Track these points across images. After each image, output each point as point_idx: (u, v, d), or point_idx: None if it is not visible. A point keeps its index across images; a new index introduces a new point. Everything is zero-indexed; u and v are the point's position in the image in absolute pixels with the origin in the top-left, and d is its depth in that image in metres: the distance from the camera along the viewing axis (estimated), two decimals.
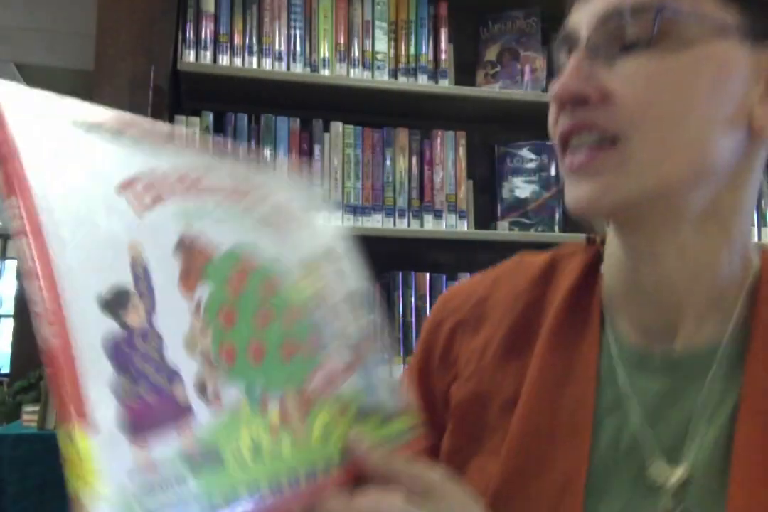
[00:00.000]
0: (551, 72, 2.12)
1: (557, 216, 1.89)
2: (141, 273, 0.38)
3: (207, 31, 1.71)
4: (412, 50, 1.86)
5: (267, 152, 1.74)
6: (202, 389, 0.39)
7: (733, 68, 0.50)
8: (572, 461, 0.53)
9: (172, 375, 0.38)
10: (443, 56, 1.87)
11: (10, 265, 8.83)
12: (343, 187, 1.77)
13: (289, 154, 1.75)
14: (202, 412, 0.39)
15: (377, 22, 1.84)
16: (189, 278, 0.40)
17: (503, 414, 0.57)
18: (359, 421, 0.46)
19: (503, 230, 1.88)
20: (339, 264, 0.49)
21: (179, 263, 0.40)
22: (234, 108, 1.78)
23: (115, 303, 0.36)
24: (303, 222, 0.49)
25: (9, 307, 8.26)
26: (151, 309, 0.37)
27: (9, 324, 7.59)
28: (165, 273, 0.39)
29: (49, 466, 2.88)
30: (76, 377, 0.34)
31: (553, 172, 1.91)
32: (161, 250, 0.39)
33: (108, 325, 0.36)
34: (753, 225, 2.04)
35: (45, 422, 3.00)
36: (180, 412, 0.38)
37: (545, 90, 2.00)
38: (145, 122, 0.43)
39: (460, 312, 0.64)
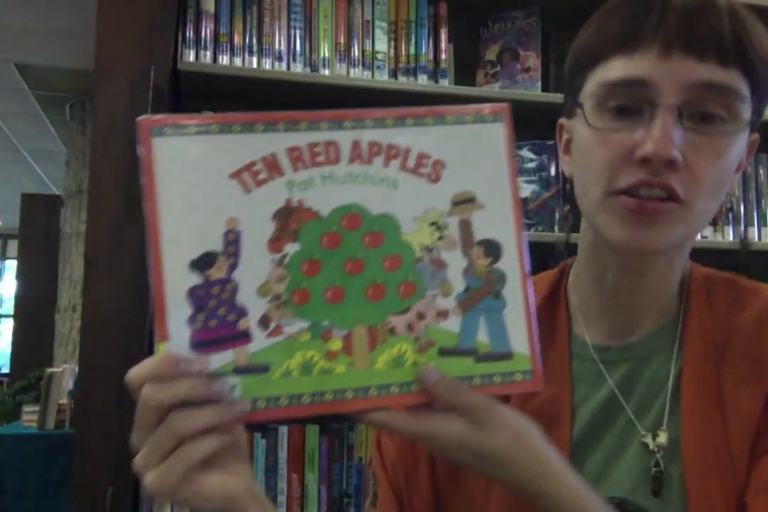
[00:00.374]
0: (549, 71, 2.12)
1: (557, 216, 1.89)
2: (232, 239, 0.50)
3: (207, 31, 1.71)
4: (412, 50, 1.86)
5: None
6: (265, 323, 0.51)
7: (741, 144, 0.63)
8: (556, 447, 0.59)
9: (239, 314, 0.50)
10: (443, 56, 1.87)
11: (10, 265, 8.82)
12: None
13: None
14: (259, 339, 0.51)
15: (377, 22, 1.84)
16: (279, 240, 0.50)
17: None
18: (442, 358, 0.53)
19: None
20: (470, 214, 0.53)
21: (273, 228, 0.50)
22: (234, 108, 1.76)
23: (202, 264, 0.50)
24: (445, 178, 0.53)
25: (9, 307, 8.26)
26: (234, 265, 0.50)
27: (9, 324, 7.59)
28: (257, 237, 0.50)
29: (49, 466, 2.88)
30: (164, 313, 0.50)
31: (553, 172, 1.91)
32: (260, 217, 0.50)
33: (193, 279, 0.50)
34: (755, 225, 2.03)
35: (45, 422, 3.00)
36: (239, 339, 0.50)
37: (545, 90, 2.00)
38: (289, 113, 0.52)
39: None
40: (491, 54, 1.96)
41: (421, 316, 0.53)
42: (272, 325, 0.51)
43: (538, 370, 0.54)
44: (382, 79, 1.82)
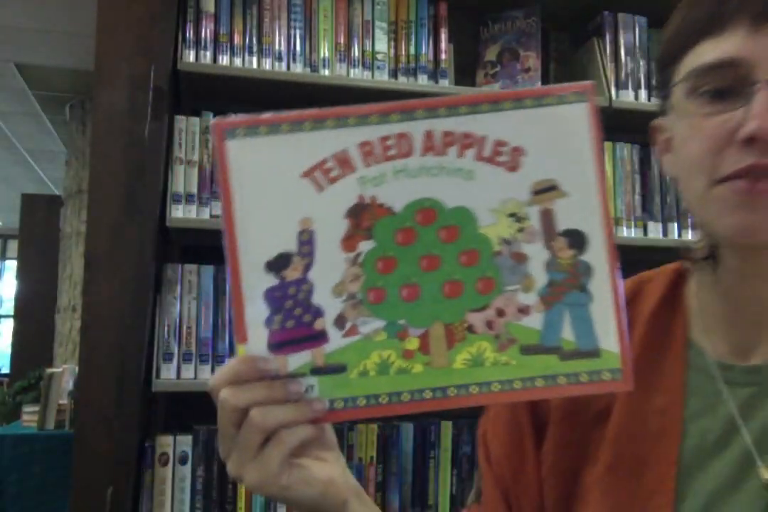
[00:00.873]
0: (549, 71, 2.12)
1: None
2: (306, 239, 0.50)
3: (207, 31, 1.71)
4: (412, 50, 1.86)
5: None
6: (341, 322, 0.51)
7: None
8: (662, 464, 0.58)
9: (315, 314, 0.51)
10: (443, 56, 1.87)
11: (10, 265, 8.82)
12: None
13: None
14: (336, 339, 0.51)
15: (377, 22, 1.84)
16: (353, 238, 0.50)
17: (598, 423, 0.63)
18: (525, 356, 0.51)
19: None
20: (552, 203, 0.50)
21: (347, 226, 0.50)
22: (234, 108, 1.77)
23: (277, 265, 0.50)
24: (524, 165, 0.50)
25: (9, 307, 8.26)
26: (309, 265, 0.50)
27: (9, 324, 7.59)
28: (331, 236, 0.50)
29: (49, 466, 2.88)
30: (242, 315, 0.51)
31: None
32: (333, 216, 0.50)
33: (269, 280, 0.51)
34: None
35: (45, 422, 3.00)
36: (316, 339, 0.51)
37: None
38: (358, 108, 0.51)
39: None
40: (491, 54, 1.96)
41: (501, 313, 0.51)
42: (348, 325, 0.51)
43: (628, 369, 0.51)
44: (382, 79, 1.82)
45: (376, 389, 0.51)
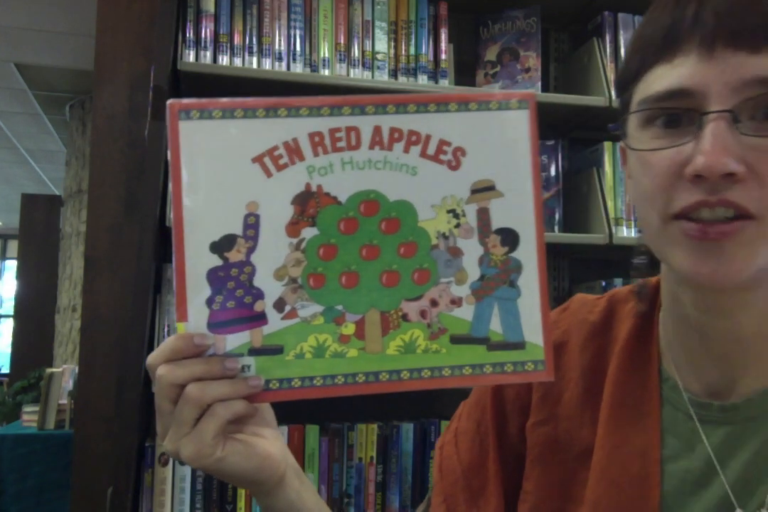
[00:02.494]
0: (549, 71, 2.12)
1: (557, 216, 1.89)
2: (252, 223, 0.51)
3: (207, 31, 1.71)
4: (412, 50, 1.86)
5: None
6: (280, 305, 0.52)
7: None
8: (644, 509, 0.57)
9: (256, 296, 0.52)
10: (443, 56, 1.87)
11: (10, 265, 8.82)
12: None
13: None
14: (274, 321, 0.52)
15: (377, 22, 1.84)
16: (296, 224, 0.51)
17: (581, 463, 0.61)
18: (454, 346, 0.53)
19: None
20: (488, 202, 0.53)
21: (292, 212, 0.51)
22: None
23: (221, 246, 0.51)
24: (465, 165, 0.53)
25: (9, 307, 8.26)
26: (252, 248, 0.51)
27: (9, 325, 7.59)
28: (276, 221, 0.51)
29: (49, 466, 2.88)
30: (184, 294, 0.51)
31: (553, 172, 1.90)
32: (280, 202, 0.51)
33: (213, 261, 0.51)
34: None
35: (45, 422, 3.00)
36: (255, 320, 0.52)
37: (545, 90, 2.00)
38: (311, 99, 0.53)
39: None
40: (491, 54, 1.96)
41: (434, 303, 0.53)
42: (287, 308, 0.52)
43: (551, 360, 0.54)
44: (382, 79, 1.82)
45: (311, 371, 0.52)
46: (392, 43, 1.85)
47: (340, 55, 1.80)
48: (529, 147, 0.52)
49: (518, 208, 0.53)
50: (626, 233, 1.88)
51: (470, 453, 0.68)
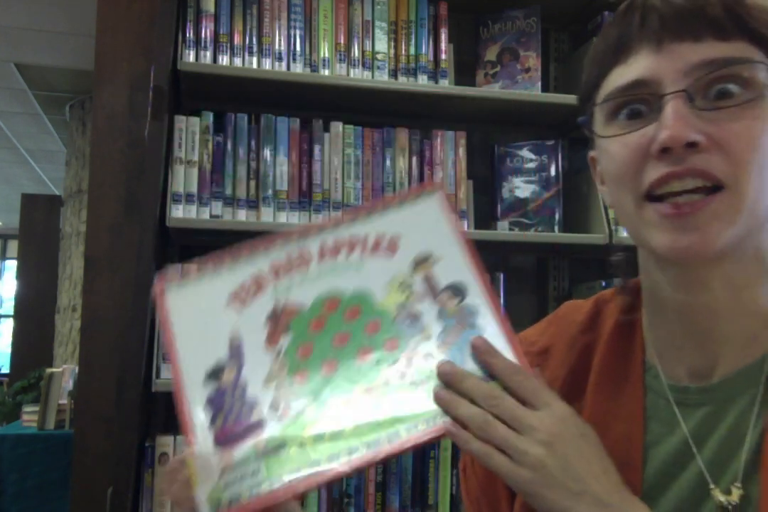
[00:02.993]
0: (549, 71, 2.12)
1: (557, 216, 1.89)
2: (236, 347, 0.58)
3: (207, 31, 1.71)
4: (412, 50, 1.86)
5: (267, 152, 1.73)
6: (275, 407, 0.57)
7: None
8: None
9: (252, 406, 0.57)
10: (443, 56, 1.87)
11: (10, 265, 8.82)
12: (343, 187, 1.77)
13: (289, 154, 1.75)
14: (272, 423, 0.56)
15: (377, 22, 1.84)
16: (273, 336, 0.58)
17: None
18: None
19: (503, 230, 1.88)
20: (430, 268, 0.60)
21: (267, 329, 0.58)
22: (234, 108, 1.78)
23: (215, 373, 0.58)
24: (402, 247, 0.62)
25: (9, 307, 8.26)
26: (240, 367, 0.57)
27: (9, 325, 7.59)
28: (255, 340, 0.58)
29: (49, 466, 2.88)
30: (189, 421, 0.58)
31: (553, 172, 1.91)
32: (255, 324, 0.59)
33: (210, 387, 0.58)
34: None
35: (45, 422, 3.00)
36: (255, 428, 0.57)
37: (545, 90, 2.00)
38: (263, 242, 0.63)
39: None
40: (491, 54, 1.96)
41: (410, 362, 0.58)
42: (281, 407, 0.57)
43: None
44: (382, 79, 1.82)
45: (317, 456, 0.55)
46: (392, 43, 1.85)
47: (340, 55, 1.80)
48: (449, 219, 0.63)
49: (456, 264, 0.60)
50: (626, 233, 1.87)
51: (483, 469, 0.69)
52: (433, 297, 0.59)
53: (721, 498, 0.56)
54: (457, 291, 0.59)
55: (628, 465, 0.59)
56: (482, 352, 0.56)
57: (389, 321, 0.58)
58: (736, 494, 0.55)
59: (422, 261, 0.60)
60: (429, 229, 0.62)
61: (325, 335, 0.58)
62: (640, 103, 0.57)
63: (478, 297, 0.59)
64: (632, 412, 0.62)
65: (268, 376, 0.57)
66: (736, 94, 0.53)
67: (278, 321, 0.59)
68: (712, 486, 0.56)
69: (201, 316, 0.60)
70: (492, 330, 0.58)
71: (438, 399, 0.55)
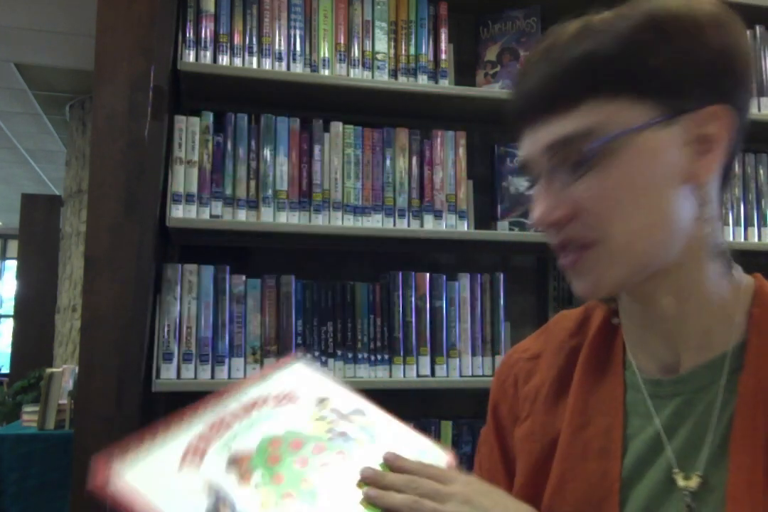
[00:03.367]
0: None
1: None
2: (217, 492, 0.62)
3: (207, 31, 1.71)
4: (412, 50, 1.86)
5: (267, 152, 1.73)
6: None
7: (663, 148, 0.60)
8: (606, 479, 0.64)
9: None
10: (443, 56, 1.87)
11: (10, 265, 8.82)
12: (343, 187, 1.77)
13: (289, 154, 1.75)
14: None
15: (377, 22, 1.84)
16: (244, 477, 0.64)
17: (551, 450, 0.70)
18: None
19: (503, 230, 1.88)
20: (332, 404, 0.73)
21: (234, 473, 0.64)
22: (234, 108, 1.78)
23: None
24: (300, 396, 0.74)
25: (9, 307, 8.26)
26: (233, 506, 0.62)
27: (9, 325, 7.58)
28: (230, 482, 0.63)
29: (49, 466, 2.88)
30: None
31: None
32: (220, 472, 0.64)
33: None
34: (755, 225, 2.03)
35: (45, 422, 3.00)
36: None
37: None
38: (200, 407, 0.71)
39: (517, 367, 0.78)
40: (491, 54, 1.96)
41: (347, 464, 0.67)
42: None
43: (451, 461, 0.70)
44: (382, 79, 1.82)
45: None
46: (392, 43, 1.85)
47: (340, 55, 1.80)
48: (320, 373, 0.77)
49: (349, 399, 0.74)
50: None
51: (489, 473, 0.78)
52: (348, 420, 0.72)
53: (682, 483, 0.61)
54: (361, 412, 0.73)
55: (608, 456, 0.65)
56: (393, 461, 0.65)
57: (327, 441, 0.69)
58: (694, 480, 0.60)
59: (323, 401, 0.74)
60: (311, 382, 0.76)
61: (286, 463, 0.66)
62: (531, 181, 0.66)
63: (379, 415, 0.74)
64: (613, 407, 0.67)
65: (263, 504, 0.62)
66: (584, 163, 0.59)
67: (240, 464, 0.65)
68: (675, 470, 0.62)
69: (166, 482, 0.64)
70: (400, 432, 0.75)
71: (369, 498, 0.62)
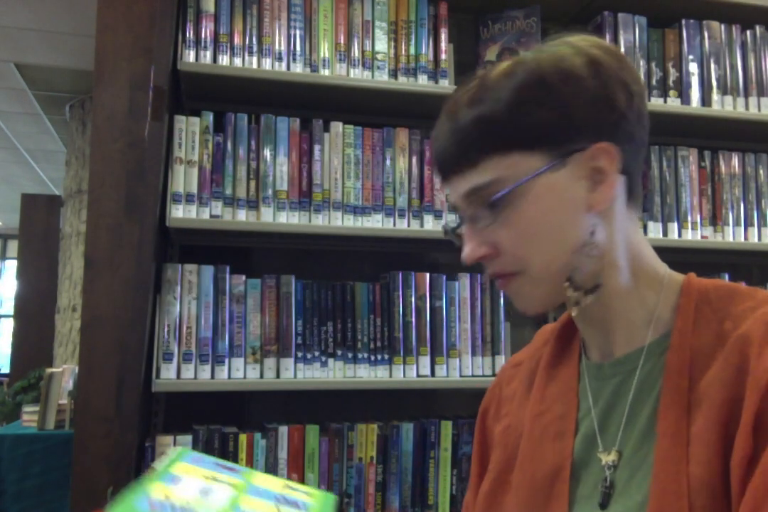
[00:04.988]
0: None
1: None
2: None
3: (207, 31, 1.71)
4: (412, 50, 1.86)
5: (267, 152, 1.73)
6: None
7: (559, 187, 0.69)
8: (558, 458, 0.72)
9: None
10: (443, 56, 1.87)
11: (10, 265, 8.82)
12: (343, 187, 1.77)
13: (289, 154, 1.75)
14: None
15: (377, 22, 1.84)
16: None
17: (521, 438, 0.77)
18: None
19: None
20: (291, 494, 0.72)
21: None
22: (234, 108, 1.78)
23: None
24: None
25: (9, 307, 8.26)
26: None
27: (9, 324, 7.58)
28: None
29: (49, 466, 2.88)
30: None
31: None
32: None
33: None
34: (755, 225, 2.02)
35: (45, 422, 3.00)
36: None
37: None
38: None
39: (504, 374, 0.88)
40: (491, 54, 1.96)
41: None
42: None
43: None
44: (382, 79, 1.82)
45: None
46: (392, 43, 1.85)
47: (340, 55, 1.80)
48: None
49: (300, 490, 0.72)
50: None
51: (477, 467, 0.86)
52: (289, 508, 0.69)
53: (603, 458, 0.69)
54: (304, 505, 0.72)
55: (562, 437, 0.73)
56: None
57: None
58: (612, 455, 0.69)
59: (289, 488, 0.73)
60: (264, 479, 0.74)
61: None
62: (460, 219, 0.76)
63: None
64: (567, 393, 0.76)
65: None
66: (494, 207, 0.69)
67: None
68: (600, 449, 0.70)
69: None
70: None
71: None
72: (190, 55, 1.69)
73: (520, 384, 0.83)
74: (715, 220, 2.02)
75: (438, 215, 1.82)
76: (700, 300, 0.71)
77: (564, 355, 0.80)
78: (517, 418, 0.80)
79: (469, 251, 0.72)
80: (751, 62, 2.05)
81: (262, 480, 0.72)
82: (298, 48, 1.77)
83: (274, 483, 0.73)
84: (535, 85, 0.68)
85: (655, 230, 1.95)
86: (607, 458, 0.69)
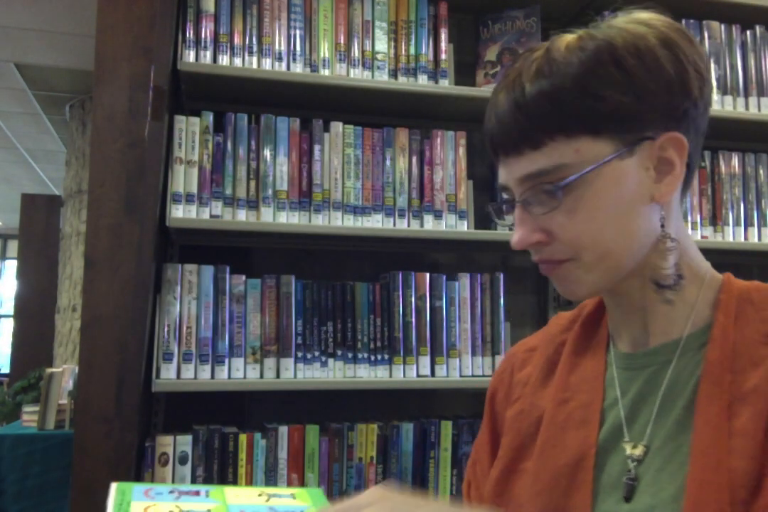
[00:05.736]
0: None
1: None
2: None
3: (207, 31, 1.71)
4: (412, 50, 1.86)
5: (267, 152, 1.73)
6: None
7: (625, 175, 0.66)
8: (582, 446, 0.70)
9: None
10: (443, 56, 1.87)
11: (10, 265, 8.82)
12: (343, 187, 1.77)
13: (289, 154, 1.75)
14: None
15: (377, 22, 1.84)
16: None
17: (537, 426, 0.75)
18: None
19: (503, 230, 1.88)
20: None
21: None
22: (234, 108, 1.78)
23: None
24: None
25: (9, 307, 8.26)
26: None
27: (9, 324, 7.59)
28: None
29: (49, 466, 2.88)
30: None
31: None
32: None
33: None
34: (755, 225, 2.03)
35: (45, 422, 3.00)
36: None
37: None
38: None
39: (515, 358, 0.85)
40: (491, 54, 1.96)
41: None
42: None
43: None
44: (382, 79, 1.82)
45: None
46: (392, 43, 1.85)
47: (340, 55, 1.80)
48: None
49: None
50: None
51: (477, 454, 0.84)
52: None
53: (629, 451, 0.67)
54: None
55: (587, 426, 0.71)
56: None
57: None
58: (639, 449, 0.67)
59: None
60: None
61: None
62: (510, 202, 0.72)
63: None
64: (593, 382, 0.74)
65: None
66: (557, 194, 0.65)
67: None
68: (627, 439, 0.68)
69: None
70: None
71: None
72: (190, 55, 1.69)
73: (535, 370, 0.80)
74: (715, 219, 2.02)
75: (438, 215, 1.82)
76: (741, 299, 0.69)
77: (590, 344, 0.78)
78: (531, 404, 0.78)
79: (520, 237, 0.68)
80: (751, 62, 2.05)
81: (236, 495, 0.68)
82: (298, 48, 1.77)
83: (251, 496, 0.68)
84: (609, 63, 0.64)
85: None
86: (633, 450, 0.67)
